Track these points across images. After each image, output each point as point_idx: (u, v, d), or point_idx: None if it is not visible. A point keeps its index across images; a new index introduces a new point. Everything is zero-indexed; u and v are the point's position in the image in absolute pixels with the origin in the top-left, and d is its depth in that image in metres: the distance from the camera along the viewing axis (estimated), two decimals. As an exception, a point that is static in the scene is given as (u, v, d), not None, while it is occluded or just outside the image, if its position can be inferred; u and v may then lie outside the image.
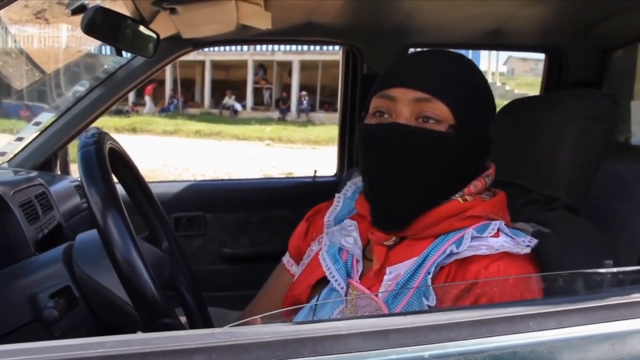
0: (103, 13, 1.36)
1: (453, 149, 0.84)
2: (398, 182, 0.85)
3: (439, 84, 0.85)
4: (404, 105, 0.85)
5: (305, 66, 19.28)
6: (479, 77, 0.90)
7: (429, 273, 0.82)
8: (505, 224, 0.86)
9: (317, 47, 14.73)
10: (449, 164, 0.85)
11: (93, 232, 0.87)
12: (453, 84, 0.86)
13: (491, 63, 20.54)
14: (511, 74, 24.18)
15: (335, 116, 2.42)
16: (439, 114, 0.84)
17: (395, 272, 0.85)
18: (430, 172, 0.84)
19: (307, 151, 12.76)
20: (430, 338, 0.55)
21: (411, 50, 2.14)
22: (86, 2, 1.44)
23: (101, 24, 1.36)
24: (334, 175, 2.36)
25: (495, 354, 0.56)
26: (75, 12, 1.41)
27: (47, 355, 0.50)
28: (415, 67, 0.89)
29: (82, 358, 0.50)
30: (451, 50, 0.95)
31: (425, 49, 0.96)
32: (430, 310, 0.77)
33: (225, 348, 0.52)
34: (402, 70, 0.89)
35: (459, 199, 0.87)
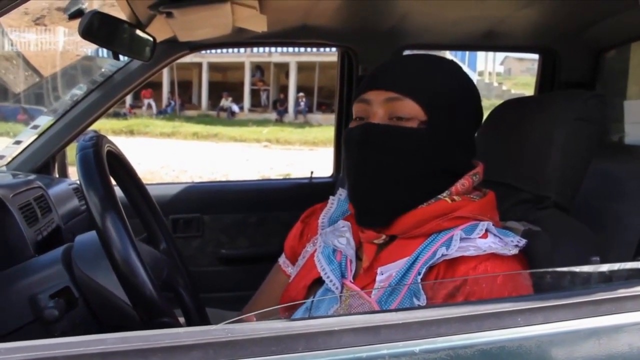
0: (100, 17, 1.37)
1: (426, 144, 0.87)
2: (373, 179, 0.88)
3: (407, 83, 0.88)
4: (378, 107, 0.89)
5: (303, 67, 19.28)
6: (457, 76, 0.92)
7: (419, 274, 0.83)
8: (493, 224, 0.87)
9: (314, 49, 14.77)
10: (424, 160, 0.87)
11: (92, 234, 0.89)
12: (422, 82, 0.89)
13: (488, 63, 20.62)
14: (508, 73, 24.26)
15: (333, 117, 2.43)
16: (409, 111, 0.87)
17: (387, 273, 0.87)
18: (406, 167, 0.87)
19: (304, 152, 12.78)
20: (421, 333, 0.57)
21: (406, 52, 2.16)
22: (83, 6, 1.45)
23: (98, 29, 1.37)
24: (331, 177, 2.37)
25: (484, 349, 0.57)
26: (72, 16, 1.42)
27: (49, 352, 0.51)
28: (386, 70, 0.93)
29: (83, 354, 0.51)
30: (427, 53, 0.97)
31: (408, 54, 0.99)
32: (420, 306, 0.79)
33: (221, 344, 0.53)
34: (376, 75, 0.92)
35: (447, 199, 0.88)
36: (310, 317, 0.82)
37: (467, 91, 0.93)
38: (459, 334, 0.57)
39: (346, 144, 0.92)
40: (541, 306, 0.61)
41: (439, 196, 0.88)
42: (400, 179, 0.87)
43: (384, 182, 0.88)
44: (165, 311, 0.78)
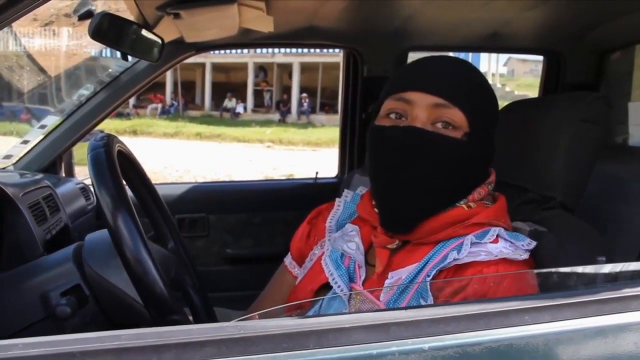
0: (109, 19, 1.38)
1: (466, 156, 0.86)
2: (410, 186, 0.86)
3: (457, 91, 0.86)
4: (421, 110, 0.85)
5: (306, 68, 19.30)
6: (489, 85, 0.92)
7: (428, 276, 0.83)
8: (505, 229, 0.87)
9: (317, 49, 14.79)
10: (460, 170, 0.86)
11: (102, 232, 0.90)
12: (470, 91, 0.87)
13: (491, 64, 20.60)
14: (511, 75, 24.21)
15: (336, 118, 2.45)
16: (456, 120, 0.85)
17: (397, 277, 0.87)
18: (442, 177, 0.85)
19: (307, 153, 12.79)
20: (430, 331, 0.57)
21: (410, 53, 2.17)
22: (93, 8, 1.47)
23: (107, 30, 1.39)
24: (335, 177, 2.38)
25: (492, 347, 0.58)
26: (82, 18, 1.44)
27: (65, 348, 0.52)
28: (432, 72, 0.89)
29: (99, 350, 0.52)
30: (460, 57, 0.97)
31: (438, 54, 0.97)
32: (429, 304, 0.79)
33: (234, 341, 0.54)
34: (420, 75, 0.89)
35: (464, 206, 0.88)
36: (321, 315, 0.83)
37: (495, 100, 0.92)
38: (467, 331, 0.58)
39: (380, 143, 0.88)
40: (548, 305, 0.62)
41: (456, 203, 0.88)
42: (434, 188, 0.86)
43: (419, 189, 0.86)
44: (176, 309, 0.79)
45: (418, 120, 0.85)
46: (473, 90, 0.88)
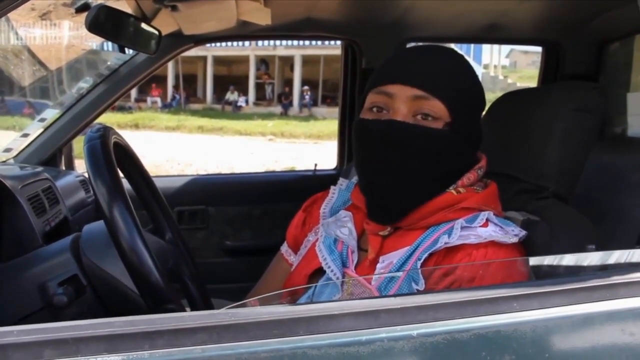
0: (106, 11, 1.39)
1: (449, 145, 0.87)
2: (395, 179, 0.87)
3: (436, 82, 0.87)
4: (402, 103, 0.86)
5: (307, 61, 19.25)
6: (471, 71, 0.93)
7: (419, 259, 0.85)
8: (495, 214, 0.88)
9: (319, 42, 14.74)
10: (444, 160, 0.87)
11: (99, 223, 0.91)
12: (449, 81, 0.88)
13: (493, 56, 20.52)
14: (513, 67, 24.15)
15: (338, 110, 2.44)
16: (436, 111, 0.86)
17: (388, 261, 0.88)
18: (427, 168, 0.87)
19: (309, 146, 12.78)
20: (419, 318, 0.58)
21: (410, 44, 2.16)
22: (90, 0, 1.47)
23: (105, 22, 1.39)
24: (334, 169, 2.38)
25: (480, 333, 0.59)
26: (79, 10, 1.44)
27: (59, 334, 0.53)
28: (411, 64, 0.90)
29: (92, 337, 0.53)
30: (443, 45, 0.97)
31: (418, 44, 0.98)
32: (418, 292, 0.80)
33: (225, 327, 0.55)
34: (399, 67, 0.90)
35: (453, 191, 0.89)
36: (311, 302, 0.84)
37: (478, 87, 0.93)
38: (455, 318, 0.59)
39: (362, 137, 0.90)
40: (536, 292, 0.62)
41: (446, 189, 0.89)
42: (419, 179, 0.87)
43: (404, 181, 0.87)
44: (171, 298, 0.80)
45: (399, 113, 0.86)
46: (453, 79, 0.88)
